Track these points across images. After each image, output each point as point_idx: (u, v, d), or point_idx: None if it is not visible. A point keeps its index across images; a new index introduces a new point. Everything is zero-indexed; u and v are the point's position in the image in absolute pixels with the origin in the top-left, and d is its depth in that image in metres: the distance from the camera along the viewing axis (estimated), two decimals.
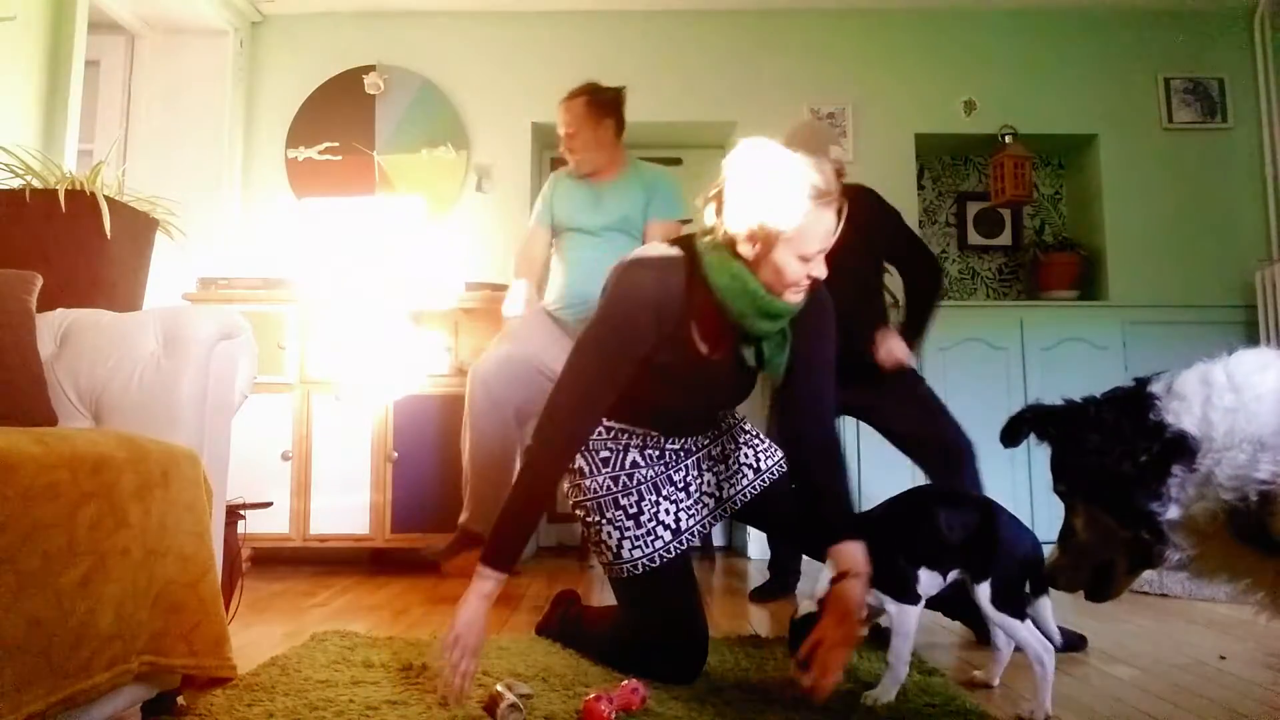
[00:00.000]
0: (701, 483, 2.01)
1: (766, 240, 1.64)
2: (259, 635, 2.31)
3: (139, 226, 2.12)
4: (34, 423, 1.58)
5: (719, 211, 1.70)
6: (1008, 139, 4.31)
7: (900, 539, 1.74)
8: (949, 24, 4.46)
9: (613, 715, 1.53)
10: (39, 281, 1.77)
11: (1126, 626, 2.44)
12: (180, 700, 1.57)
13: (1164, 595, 2.93)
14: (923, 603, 1.74)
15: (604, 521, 1.92)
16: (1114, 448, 1.19)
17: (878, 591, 1.71)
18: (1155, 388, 1.20)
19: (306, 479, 3.55)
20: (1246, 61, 4.38)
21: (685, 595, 1.92)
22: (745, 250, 1.67)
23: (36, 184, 2.00)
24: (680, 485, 1.99)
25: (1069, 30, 4.44)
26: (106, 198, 1.98)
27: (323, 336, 3.61)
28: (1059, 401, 1.31)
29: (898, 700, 1.68)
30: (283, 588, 3.12)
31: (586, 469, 1.94)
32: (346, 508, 3.54)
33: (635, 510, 1.91)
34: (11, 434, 1.20)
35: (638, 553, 1.89)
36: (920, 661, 1.93)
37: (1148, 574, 2.85)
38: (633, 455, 1.94)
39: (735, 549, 4.31)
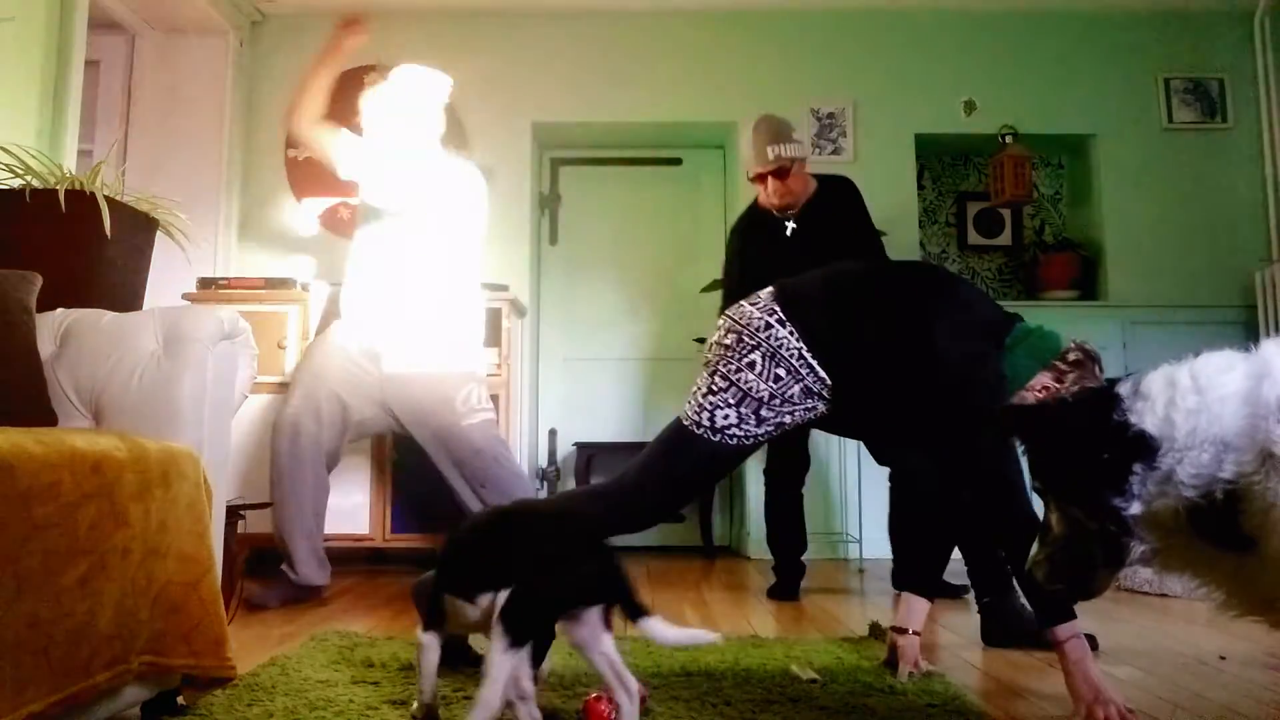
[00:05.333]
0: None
1: None
2: (259, 635, 2.31)
3: (139, 226, 2.11)
4: (34, 423, 1.58)
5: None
6: (1008, 139, 4.30)
7: (453, 565, 1.59)
8: (949, 24, 4.46)
9: (614, 715, 1.53)
10: (39, 281, 1.77)
11: (1126, 626, 2.45)
12: (180, 700, 1.57)
13: (1164, 595, 2.93)
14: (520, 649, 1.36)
15: (732, 406, 1.89)
16: (1077, 446, 1.25)
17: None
18: (1122, 388, 1.25)
19: None
20: (1246, 61, 4.37)
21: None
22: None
23: (36, 184, 2.00)
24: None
25: (1069, 30, 4.44)
26: (106, 198, 1.97)
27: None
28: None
29: (898, 700, 1.67)
30: None
31: (759, 366, 1.88)
32: (346, 508, 3.53)
33: (768, 418, 1.90)
34: (11, 434, 1.20)
35: (735, 433, 1.90)
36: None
37: (1148, 574, 2.86)
38: (800, 388, 1.88)
39: (735, 549, 4.31)
